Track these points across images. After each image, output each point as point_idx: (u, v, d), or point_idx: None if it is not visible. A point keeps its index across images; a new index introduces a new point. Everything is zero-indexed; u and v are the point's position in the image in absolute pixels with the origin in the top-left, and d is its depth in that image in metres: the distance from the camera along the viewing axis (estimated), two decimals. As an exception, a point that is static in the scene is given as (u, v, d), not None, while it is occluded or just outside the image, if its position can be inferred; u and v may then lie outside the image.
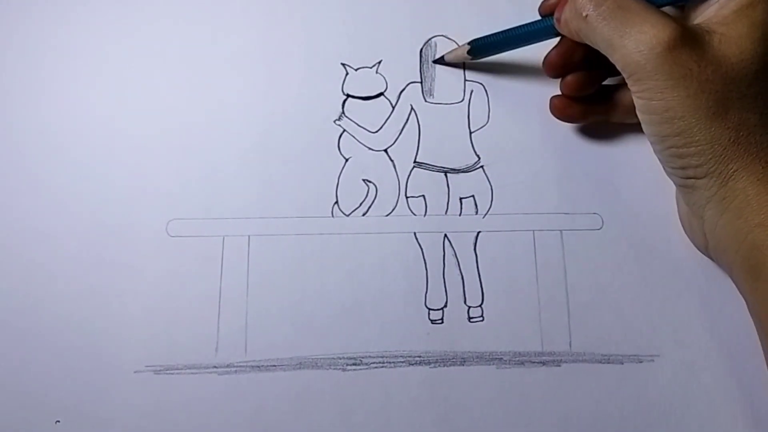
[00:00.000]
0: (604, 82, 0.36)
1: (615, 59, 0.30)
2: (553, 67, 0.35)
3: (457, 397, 0.33)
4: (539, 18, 0.36)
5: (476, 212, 0.37)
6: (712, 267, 0.35)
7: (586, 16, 0.31)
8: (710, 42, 0.29)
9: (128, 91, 0.38)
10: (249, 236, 0.35)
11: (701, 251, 0.34)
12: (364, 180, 0.37)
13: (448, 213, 0.37)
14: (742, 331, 0.34)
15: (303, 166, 0.37)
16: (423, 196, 0.37)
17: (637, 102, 0.31)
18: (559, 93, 0.36)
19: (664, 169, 0.32)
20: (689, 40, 0.29)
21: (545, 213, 0.36)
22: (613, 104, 0.36)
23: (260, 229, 0.36)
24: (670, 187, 0.36)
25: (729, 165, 0.29)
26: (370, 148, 0.37)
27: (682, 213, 0.35)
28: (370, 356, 0.34)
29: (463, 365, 0.34)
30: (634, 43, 0.29)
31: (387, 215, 0.36)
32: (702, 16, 0.31)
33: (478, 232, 0.36)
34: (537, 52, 0.37)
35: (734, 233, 0.30)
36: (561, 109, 0.36)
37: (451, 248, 0.36)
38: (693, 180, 0.30)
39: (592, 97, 0.36)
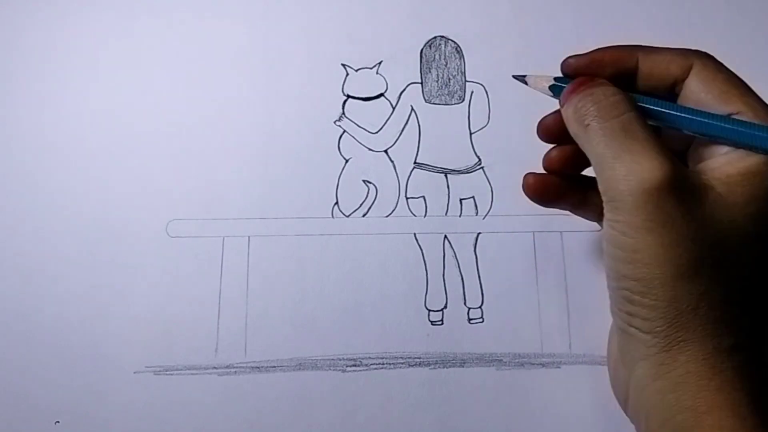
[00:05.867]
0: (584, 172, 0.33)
1: (601, 179, 0.27)
2: (548, 132, 0.32)
3: (456, 398, 0.33)
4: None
5: (476, 213, 0.37)
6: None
7: (588, 125, 0.28)
8: (704, 198, 0.26)
9: (128, 92, 0.37)
10: (249, 237, 0.35)
11: (619, 403, 0.30)
12: (364, 181, 0.37)
13: (448, 214, 0.37)
14: None
15: (303, 166, 0.37)
16: (423, 197, 0.37)
17: (607, 230, 0.27)
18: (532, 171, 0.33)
19: (610, 306, 0.29)
20: (683, 188, 0.26)
21: (545, 214, 0.36)
22: (585, 200, 0.32)
23: (260, 229, 0.36)
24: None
25: (678, 332, 0.26)
26: (370, 149, 0.37)
27: (610, 354, 0.31)
28: (369, 357, 0.34)
29: (462, 366, 0.34)
30: (625, 171, 0.26)
31: (387, 216, 0.36)
32: (706, 164, 0.28)
33: (478, 233, 0.36)
34: (538, 53, 0.37)
35: (663, 406, 0.26)
36: (533, 187, 0.32)
37: (451, 249, 0.36)
38: (635, 330, 0.27)
39: (567, 183, 0.32)
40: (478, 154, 0.37)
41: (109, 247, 0.35)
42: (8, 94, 0.37)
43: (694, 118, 0.28)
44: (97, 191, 0.36)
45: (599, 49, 0.30)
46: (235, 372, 0.33)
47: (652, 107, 0.28)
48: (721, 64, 0.29)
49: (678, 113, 0.28)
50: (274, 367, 0.34)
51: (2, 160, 0.36)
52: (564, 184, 0.32)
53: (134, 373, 0.33)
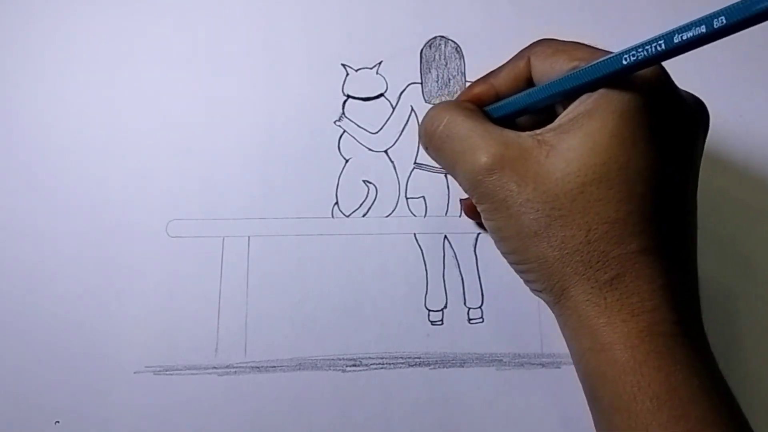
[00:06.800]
0: None
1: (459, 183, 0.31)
2: (472, 210, 0.35)
3: (456, 398, 0.33)
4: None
5: (476, 213, 0.37)
6: (709, 267, 0.35)
7: (427, 148, 0.32)
8: (537, 157, 0.27)
9: (128, 91, 0.37)
10: (249, 237, 0.35)
11: None
12: (364, 181, 0.37)
13: (448, 214, 0.37)
14: (737, 332, 0.34)
15: (303, 166, 0.37)
16: (423, 197, 0.37)
17: (483, 222, 0.30)
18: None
19: None
20: (511, 160, 0.27)
21: (545, 214, 0.36)
22: None
23: (260, 229, 0.36)
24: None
25: (558, 283, 0.27)
26: (370, 149, 0.37)
27: None
28: (369, 357, 0.34)
29: (462, 367, 0.34)
30: (462, 173, 0.29)
31: (387, 216, 0.36)
32: (547, 126, 0.28)
33: (478, 234, 0.36)
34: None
35: (573, 352, 0.28)
36: (467, 209, 0.36)
37: (451, 249, 0.36)
38: (537, 293, 0.29)
39: None
40: (478, 154, 0.37)
41: (109, 247, 0.35)
42: (8, 93, 0.37)
43: (515, 99, 0.30)
44: (97, 191, 0.36)
45: (462, 92, 0.34)
46: (235, 372, 0.33)
47: (489, 108, 0.32)
48: (553, 40, 0.30)
49: (505, 102, 0.31)
50: (274, 367, 0.34)
51: (2, 160, 0.36)
52: None
53: (134, 373, 0.33)
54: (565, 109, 0.28)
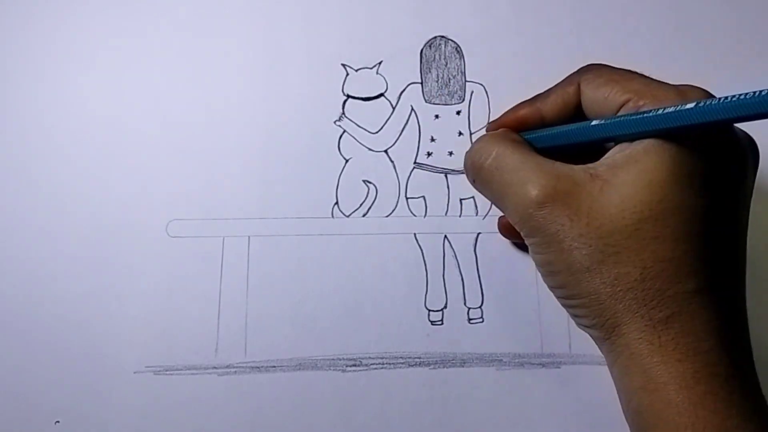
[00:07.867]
0: None
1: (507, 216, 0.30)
2: (509, 230, 0.35)
3: (456, 398, 0.33)
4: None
5: (476, 213, 0.37)
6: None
7: (474, 181, 0.32)
8: (590, 191, 0.27)
9: (128, 92, 0.37)
10: (249, 237, 0.35)
11: None
12: (364, 181, 0.37)
13: (448, 214, 0.37)
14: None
15: (303, 166, 0.37)
16: (423, 197, 0.37)
17: (531, 255, 0.30)
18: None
19: None
20: (563, 193, 0.27)
21: (545, 214, 0.36)
22: None
23: (260, 229, 0.36)
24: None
25: (610, 319, 0.27)
26: (370, 149, 0.37)
27: None
28: (369, 357, 0.34)
29: (462, 366, 0.34)
30: (512, 206, 0.29)
31: (387, 216, 0.36)
32: (599, 160, 0.28)
33: (478, 233, 0.36)
34: (537, 52, 0.37)
35: (623, 389, 0.28)
36: (504, 229, 0.35)
37: (451, 249, 0.36)
38: (585, 328, 0.29)
39: None
40: (478, 154, 0.37)
41: (109, 247, 0.35)
42: (8, 94, 0.37)
43: (559, 132, 0.30)
44: (97, 191, 0.36)
45: (507, 112, 0.33)
46: (235, 372, 0.33)
47: (530, 137, 0.31)
48: (604, 67, 0.30)
49: (552, 133, 0.30)
50: (274, 367, 0.34)
51: (2, 160, 0.36)
52: None
53: (134, 373, 0.33)
54: (615, 142, 0.28)
